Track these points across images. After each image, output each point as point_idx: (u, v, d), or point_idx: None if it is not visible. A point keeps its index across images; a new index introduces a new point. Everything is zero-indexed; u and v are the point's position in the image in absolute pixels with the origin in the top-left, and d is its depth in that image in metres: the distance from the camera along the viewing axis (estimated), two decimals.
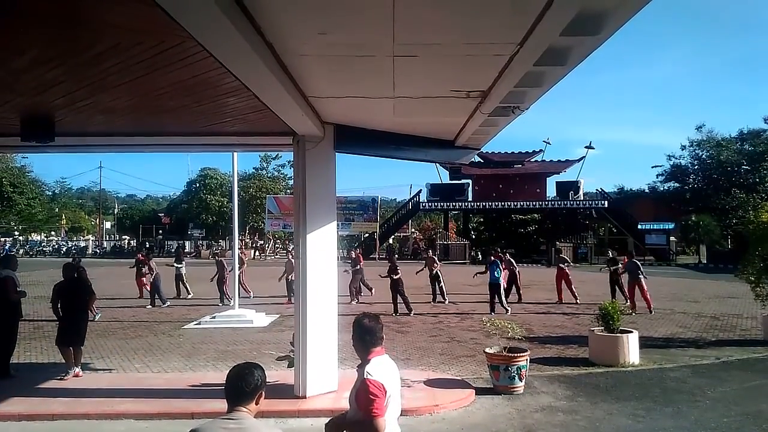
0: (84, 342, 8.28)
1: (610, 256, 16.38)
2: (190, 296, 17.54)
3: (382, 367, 2.80)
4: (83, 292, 8.43)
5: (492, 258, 14.45)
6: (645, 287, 14.21)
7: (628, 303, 14.13)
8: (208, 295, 17.08)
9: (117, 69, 4.32)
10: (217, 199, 51.97)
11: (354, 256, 17.01)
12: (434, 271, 16.10)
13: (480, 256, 36.72)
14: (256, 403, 2.28)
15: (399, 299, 14.03)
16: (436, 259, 16.49)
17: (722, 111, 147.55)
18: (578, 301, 15.89)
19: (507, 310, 13.87)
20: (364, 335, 2.87)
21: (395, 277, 13.86)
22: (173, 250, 41.40)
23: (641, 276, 14.11)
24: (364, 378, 2.73)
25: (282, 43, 3.98)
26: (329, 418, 3.01)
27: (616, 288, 15.40)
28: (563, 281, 16.33)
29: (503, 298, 14.31)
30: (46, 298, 18.00)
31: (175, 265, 17.75)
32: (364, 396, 2.68)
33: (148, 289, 16.38)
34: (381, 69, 4.53)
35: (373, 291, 16.72)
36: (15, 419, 6.31)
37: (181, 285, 17.70)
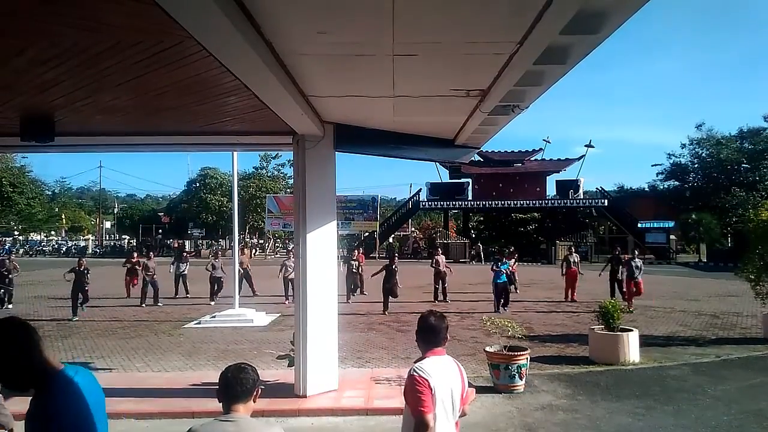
0: None
1: (615, 253, 16.38)
2: (188, 296, 17.55)
3: (434, 366, 2.75)
4: None
5: (500, 257, 14.60)
6: (641, 285, 14.38)
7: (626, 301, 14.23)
8: (206, 294, 17.09)
9: (116, 68, 4.30)
10: (217, 198, 51.85)
11: (356, 255, 16.90)
12: (441, 271, 16.34)
13: (479, 253, 36.74)
14: (254, 401, 2.30)
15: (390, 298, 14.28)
16: (440, 260, 16.62)
17: (722, 109, 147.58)
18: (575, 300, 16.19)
19: (506, 310, 14.00)
20: (426, 333, 2.83)
21: (393, 267, 14.33)
22: (173, 249, 41.38)
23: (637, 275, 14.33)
24: (410, 373, 2.72)
25: (281, 43, 3.98)
26: None
27: (616, 286, 15.44)
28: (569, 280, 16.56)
29: (508, 298, 14.53)
30: (45, 298, 18.05)
31: (178, 264, 17.82)
32: (409, 392, 2.68)
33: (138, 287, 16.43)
34: (381, 68, 4.53)
35: (365, 293, 16.57)
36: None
37: (181, 284, 17.76)
